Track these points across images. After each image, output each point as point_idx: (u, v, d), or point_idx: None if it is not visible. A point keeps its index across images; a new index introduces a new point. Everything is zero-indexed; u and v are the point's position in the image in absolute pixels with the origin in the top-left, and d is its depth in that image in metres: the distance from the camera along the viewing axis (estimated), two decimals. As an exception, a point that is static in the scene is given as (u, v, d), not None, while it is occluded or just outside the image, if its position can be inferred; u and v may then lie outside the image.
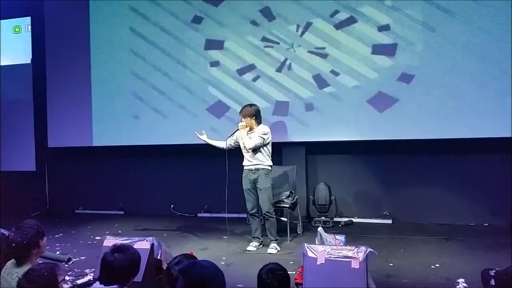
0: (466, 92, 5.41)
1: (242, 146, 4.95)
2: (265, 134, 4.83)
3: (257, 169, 4.85)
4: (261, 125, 4.91)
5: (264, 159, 4.87)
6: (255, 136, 4.81)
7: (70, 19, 7.19)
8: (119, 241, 3.32)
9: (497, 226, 5.44)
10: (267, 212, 4.83)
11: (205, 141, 5.19)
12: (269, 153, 4.93)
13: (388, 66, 5.71)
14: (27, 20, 7.63)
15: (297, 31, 6.03)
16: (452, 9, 5.43)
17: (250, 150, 4.83)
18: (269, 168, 4.92)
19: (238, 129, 4.93)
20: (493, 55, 5.29)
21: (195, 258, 3.17)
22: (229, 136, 5.01)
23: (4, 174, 7.52)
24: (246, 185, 4.92)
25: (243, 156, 4.98)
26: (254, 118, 4.87)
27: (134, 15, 6.78)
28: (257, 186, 4.85)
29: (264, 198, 4.82)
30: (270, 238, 4.88)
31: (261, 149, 4.85)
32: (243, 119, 4.89)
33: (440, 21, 5.50)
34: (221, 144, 5.09)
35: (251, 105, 5.00)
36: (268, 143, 4.89)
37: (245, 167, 4.94)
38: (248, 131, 4.89)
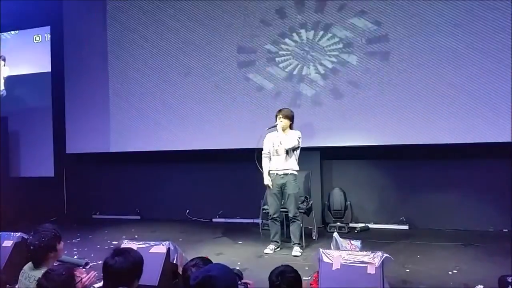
0: (486, 95, 5.34)
1: (273, 150, 4.96)
2: (300, 137, 4.94)
3: (286, 174, 4.89)
4: (294, 130, 5.02)
5: (294, 164, 4.94)
6: (293, 138, 4.89)
7: (88, 27, 7.33)
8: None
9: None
10: (294, 216, 4.88)
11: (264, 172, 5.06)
12: (297, 158, 5.00)
13: (401, 73, 5.67)
14: (47, 29, 7.81)
15: (313, 36, 6.05)
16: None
17: (284, 153, 4.87)
18: (297, 173, 4.98)
19: (276, 125, 4.96)
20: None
21: (211, 261, 3.19)
22: (269, 129, 5.03)
23: (24, 179, 7.67)
24: (273, 189, 4.93)
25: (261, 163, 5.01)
26: (291, 121, 4.97)
27: (153, 23, 6.89)
28: (285, 190, 4.89)
29: (292, 203, 4.87)
30: (293, 241, 4.91)
31: (294, 152, 4.92)
32: (282, 119, 4.93)
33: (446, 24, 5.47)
34: (269, 162, 5.03)
35: (289, 108, 5.11)
36: (299, 147, 4.97)
37: (272, 172, 4.95)
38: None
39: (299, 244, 4.91)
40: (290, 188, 4.87)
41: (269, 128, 5.04)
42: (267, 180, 4.94)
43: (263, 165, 5.01)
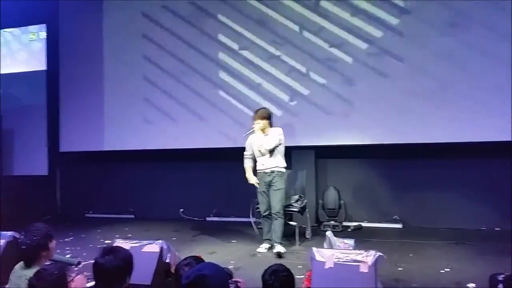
0: (478, 95, 5.36)
1: (256, 151, 4.94)
2: (280, 134, 4.89)
3: (272, 171, 4.88)
4: (274, 128, 4.96)
5: (280, 162, 4.91)
6: (272, 137, 4.85)
7: (84, 26, 7.32)
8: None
9: (509, 231, 5.37)
10: (278, 212, 4.82)
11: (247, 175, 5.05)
12: (283, 154, 4.96)
13: (397, 71, 5.69)
14: (43, 27, 7.77)
15: (307, 34, 6.05)
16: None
17: (268, 152, 4.84)
18: (284, 170, 4.95)
19: (253, 129, 4.92)
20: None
21: (203, 260, 3.18)
22: (246, 134, 5.01)
23: (17, 178, 7.62)
24: (261, 187, 4.93)
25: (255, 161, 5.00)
26: (268, 120, 4.92)
27: (147, 21, 6.88)
28: (272, 186, 4.87)
29: (277, 198, 4.84)
30: (274, 240, 4.82)
31: (276, 150, 4.88)
32: (258, 121, 4.89)
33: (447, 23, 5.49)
34: (251, 162, 5.04)
35: (264, 108, 5.07)
36: (281, 144, 4.93)
37: (259, 171, 4.95)
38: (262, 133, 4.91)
39: (280, 243, 4.79)
40: (276, 184, 4.85)
41: (246, 134, 5.02)
42: (252, 179, 4.93)
43: (244, 165, 5.00)
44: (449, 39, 5.47)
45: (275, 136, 4.86)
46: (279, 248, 4.73)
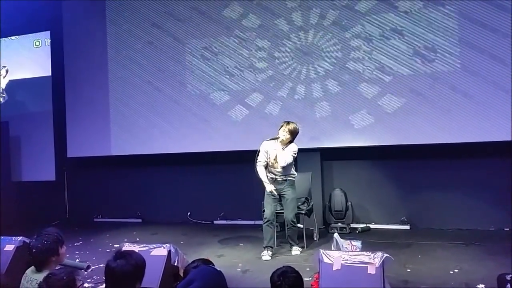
0: (485, 95, 5.34)
1: (270, 160, 4.82)
2: (295, 152, 4.84)
3: (285, 180, 4.88)
4: (293, 143, 4.89)
5: (292, 171, 4.94)
6: (288, 155, 4.77)
7: (88, 32, 7.38)
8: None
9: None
10: (292, 221, 4.86)
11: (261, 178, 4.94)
12: (293, 164, 4.96)
13: (401, 73, 5.69)
14: (47, 34, 7.84)
15: (312, 37, 6.07)
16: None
17: (280, 167, 4.81)
18: (294, 178, 4.98)
19: (278, 137, 4.80)
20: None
21: (212, 263, 3.20)
22: (270, 139, 4.86)
23: (25, 184, 7.69)
24: (271, 190, 4.85)
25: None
26: (293, 137, 4.84)
27: (151, 27, 6.93)
28: (283, 195, 4.87)
29: (290, 208, 4.85)
30: (291, 243, 4.95)
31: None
32: (287, 134, 4.76)
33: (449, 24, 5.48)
34: (264, 175, 4.90)
35: (296, 124, 4.88)
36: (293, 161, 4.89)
37: (269, 177, 4.89)
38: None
39: (297, 244, 4.94)
40: (288, 193, 4.86)
41: (271, 139, 4.86)
42: (269, 187, 4.83)
43: (259, 173, 4.87)
44: (449, 38, 5.47)
45: (290, 154, 4.78)
46: (296, 251, 4.90)
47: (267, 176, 4.88)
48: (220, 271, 2.91)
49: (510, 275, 2.15)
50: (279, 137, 4.80)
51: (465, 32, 5.42)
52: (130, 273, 2.29)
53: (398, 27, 5.71)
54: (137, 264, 2.34)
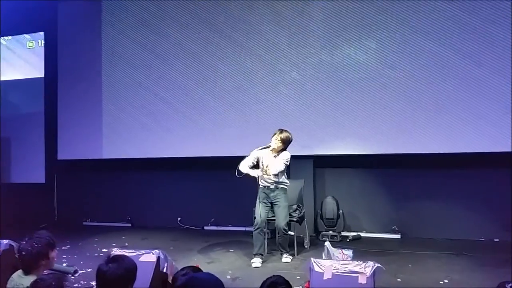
0: (476, 106, 5.38)
1: (262, 167, 4.81)
2: (288, 160, 4.83)
3: (277, 187, 4.87)
4: (285, 151, 4.88)
5: (283, 179, 4.92)
6: (279, 163, 4.77)
7: (82, 34, 7.32)
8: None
9: (508, 242, 5.35)
10: (284, 229, 4.84)
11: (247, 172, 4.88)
12: (285, 172, 4.95)
13: (395, 81, 5.72)
14: (41, 35, 7.78)
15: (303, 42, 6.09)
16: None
17: (272, 174, 4.79)
18: (287, 186, 4.96)
19: (269, 146, 4.81)
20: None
21: (201, 270, 3.15)
22: (261, 148, 4.86)
23: (14, 185, 7.60)
24: (263, 198, 4.86)
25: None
26: (285, 146, 4.83)
27: (146, 29, 6.89)
28: (275, 203, 4.85)
29: (283, 216, 4.83)
30: (281, 251, 4.92)
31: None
32: (279, 142, 4.76)
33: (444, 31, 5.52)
34: (249, 169, 4.87)
35: (289, 133, 4.85)
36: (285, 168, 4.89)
37: (261, 185, 4.87)
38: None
39: (288, 252, 4.91)
40: (280, 200, 4.84)
41: (262, 148, 4.87)
42: (255, 172, 4.75)
43: (241, 168, 4.77)
44: (447, 49, 5.50)
45: (282, 162, 4.77)
46: (286, 258, 4.87)
47: (259, 185, 4.85)
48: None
49: (511, 284, 2.13)
50: (270, 146, 4.81)
51: (462, 41, 5.46)
52: (122, 277, 2.27)
53: (393, 37, 5.74)
54: (128, 268, 2.32)
